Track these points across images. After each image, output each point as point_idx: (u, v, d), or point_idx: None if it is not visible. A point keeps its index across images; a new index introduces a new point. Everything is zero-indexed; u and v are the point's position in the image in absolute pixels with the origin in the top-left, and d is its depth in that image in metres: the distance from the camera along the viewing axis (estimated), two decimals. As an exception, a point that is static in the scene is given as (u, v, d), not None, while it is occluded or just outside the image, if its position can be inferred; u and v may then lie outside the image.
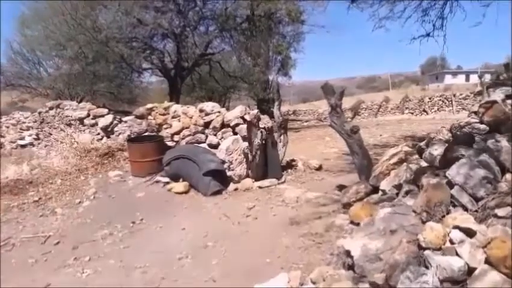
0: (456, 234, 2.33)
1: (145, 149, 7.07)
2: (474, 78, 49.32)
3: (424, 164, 4.46)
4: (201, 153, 6.49)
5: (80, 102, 10.79)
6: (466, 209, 2.68)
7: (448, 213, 2.72)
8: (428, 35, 8.71)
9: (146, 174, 6.97)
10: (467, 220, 2.41)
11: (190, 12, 15.04)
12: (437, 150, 4.06)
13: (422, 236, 2.41)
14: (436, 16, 8.62)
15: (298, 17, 15.03)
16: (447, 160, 3.40)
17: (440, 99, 24.09)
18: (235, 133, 6.87)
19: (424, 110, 24.16)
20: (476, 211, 2.60)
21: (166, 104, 8.27)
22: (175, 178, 6.61)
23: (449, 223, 2.46)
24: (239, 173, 6.57)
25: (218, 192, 6.18)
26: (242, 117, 6.89)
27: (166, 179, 6.68)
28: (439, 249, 2.34)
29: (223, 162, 6.51)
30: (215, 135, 7.05)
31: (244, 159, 6.60)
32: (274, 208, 5.53)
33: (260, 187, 6.43)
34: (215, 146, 6.93)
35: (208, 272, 3.75)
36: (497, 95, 5.58)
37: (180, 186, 6.33)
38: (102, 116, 9.22)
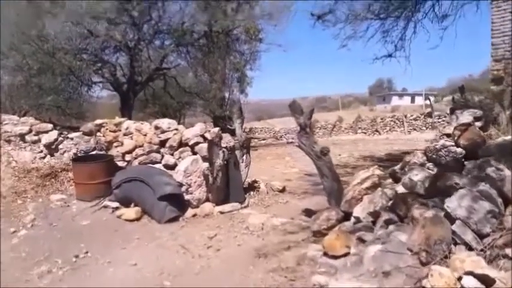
0: (470, 282, 1.96)
1: (92, 170, 6.34)
2: (419, 100, 52.17)
3: (401, 189, 4.16)
4: (155, 175, 5.87)
5: (23, 116, 9.77)
6: (470, 247, 2.33)
7: (449, 252, 2.36)
8: (390, 55, 8.77)
9: (93, 198, 6.24)
10: (478, 263, 2.05)
11: (145, 25, 14.40)
12: (417, 176, 3.77)
13: (430, 284, 2.02)
14: (397, 37, 8.73)
15: (257, 35, 14.83)
16: (437, 189, 3.09)
17: (391, 120, 24.77)
18: (194, 153, 6.33)
19: (377, 130, 24.70)
20: (482, 250, 2.26)
21: (117, 119, 7.58)
22: (126, 203, 5.93)
23: (457, 266, 2.10)
24: (198, 197, 6.01)
25: (174, 219, 5.58)
26: (202, 136, 6.38)
27: (116, 204, 5.99)
28: (452, 301, 1.97)
29: (181, 185, 5.93)
30: (172, 154, 6.48)
31: (204, 182, 6.05)
32: (238, 237, 5.01)
33: (221, 212, 5.89)
34: (172, 167, 6.34)
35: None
36: (465, 117, 5.46)
37: (131, 212, 5.67)
38: (46, 132, 8.31)
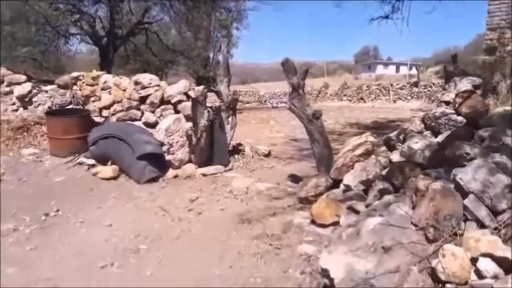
0: (487, 265, 1.75)
1: (68, 124, 5.94)
2: (404, 70, 52.19)
3: (396, 157, 3.94)
4: (135, 133, 5.51)
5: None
6: (482, 225, 2.11)
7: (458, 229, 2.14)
8: (387, 17, 8.40)
9: (68, 154, 5.88)
10: (495, 244, 1.84)
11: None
12: (417, 144, 3.53)
13: (442, 265, 1.80)
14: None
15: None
16: (442, 158, 2.86)
17: (377, 88, 24.56)
18: (177, 111, 5.97)
19: (362, 98, 24.52)
20: (496, 229, 2.04)
21: (95, 73, 7.09)
22: (102, 160, 5.59)
23: (470, 246, 1.88)
24: (180, 158, 5.71)
25: (154, 180, 5.29)
26: (186, 94, 6.00)
27: (92, 161, 5.64)
28: (465, 283, 1.76)
29: (162, 144, 5.60)
30: (153, 112, 6.10)
31: (187, 142, 5.73)
32: (221, 200, 4.77)
33: (204, 174, 5.62)
34: (152, 125, 5.99)
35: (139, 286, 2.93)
36: (464, 84, 5.21)
37: (108, 170, 5.34)
38: (19, 83, 7.77)
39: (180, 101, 5.93)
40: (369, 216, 2.58)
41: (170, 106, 6.00)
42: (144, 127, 5.96)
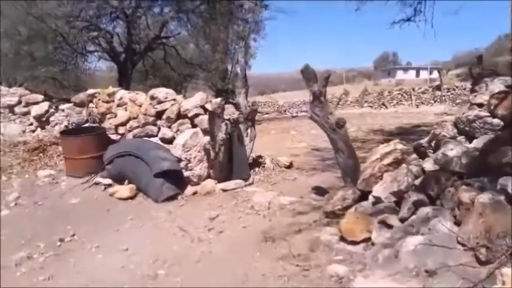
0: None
1: (83, 143, 5.85)
2: (424, 74, 51.42)
3: (428, 166, 3.63)
4: (151, 150, 5.35)
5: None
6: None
7: None
8: (409, 19, 8.11)
9: (84, 174, 5.77)
10: None
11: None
12: (453, 151, 3.22)
13: (504, 295, 1.51)
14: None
15: (262, 0, 13.91)
16: (487, 166, 2.55)
17: (399, 94, 24.02)
18: (194, 125, 5.79)
19: (383, 104, 24.00)
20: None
21: (110, 89, 7.01)
22: (119, 179, 5.44)
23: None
24: (199, 173, 5.51)
25: (172, 198, 5.09)
26: (202, 107, 5.82)
27: (108, 181, 5.50)
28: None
29: (179, 160, 5.41)
30: (169, 127, 5.94)
31: (205, 157, 5.53)
32: (243, 217, 4.52)
33: (224, 190, 5.39)
34: (169, 141, 5.82)
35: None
36: (497, 85, 4.84)
37: (125, 190, 5.18)
38: (36, 103, 7.80)
39: (197, 115, 5.76)
40: (406, 234, 2.30)
41: (187, 120, 5.83)
42: (161, 143, 5.80)
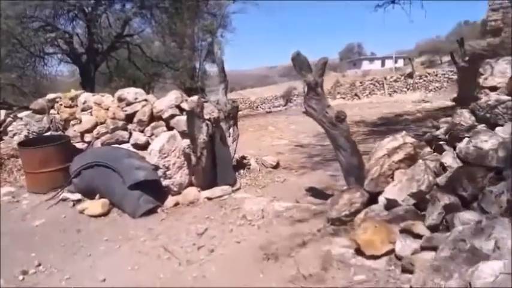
0: None
1: (45, 155, 5.11)
2: (389, 63, 52.58)
3: (449, 161, 3.17)
4: (124, 158, 4.68)
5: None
6: None
7: None
8: (393, 1, 7.77)
9: (48, 189, 5.06)
10: None
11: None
12: (487, 143, 2.77)
13: None
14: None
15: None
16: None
17: (371, 83, 23.97)
18: (170, 128, 5.15)
19: (356, 95, 23.90)
20: None
21: (73, 92, 6.25)
22: (89, 194, 4.75)
23: None
24: (179, 181, 4.89)
25: (152, 211, 4.46)
26: (178, 106, 5.19)
27: (77, 196, 4.80)
28: None
29: (156, 168, 4.77)
30: (142, 131, 5.28)
31: (186, 162, 4.92)
32: (235, 230, 3.95)
33: (209, 198, 4.80)
34: (143, 147, 5.17)
35: None
36: (502, 66, 4.48)
37: (96, 205, 4.50)
38: (-10, 112, 6.95)
39: (172, 116, 5.12)
40: (460, 252, 1.79)
41: (162, 123, 5.19)
42: (134, 149, 5.14)
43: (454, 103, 13.77)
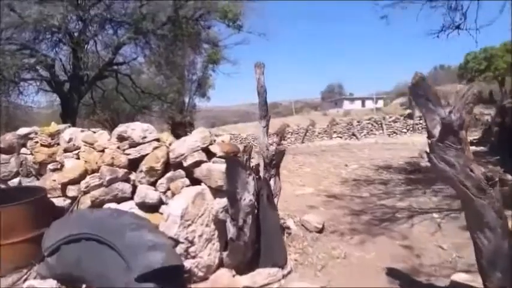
0: None
1: (7, 218, 3.44)
2: (369, 104, 54.61)
3: None
4: (128, 229, 3.06)
5: None
6: None
7: None
8: (458, 27, 6.73)
9: (8, 271, 3.36)
10: None
11: (92, 10, 11.23)
12: None
13: None
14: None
15: (235, 20, 11.95)
16: None
17: (369, 123, 22.98)
18: (194, 180, 3.61)
19: (354, 134, 22.81)
20: None
21: (54, 127, 4.64)
22: (71, 283, 3.09)
23: None
24: (207, 262, 3.30)
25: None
26: (206, 150, 3.68)
27: (51, 284, 3.13)
28: None
29: (176, 242, 3.19)
30: (153, 184, 3.70)
31: (216, 232, 3.36)
32: None
33: (252, 289, 3.21)
34: (154, 207, 3.58)
35: None
36: None
37: (81, 307, 2.85)
38: None
39: (198, 163, 3.59)
40: None
41: (181, 173, 3.64)
42: (141, 211, 3.53)
43: (474, 146, 12.63)
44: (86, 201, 3.69)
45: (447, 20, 7.01)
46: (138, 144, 3.83)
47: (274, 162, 4.05)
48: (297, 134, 24.20)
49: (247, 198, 3.18)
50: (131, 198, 3.70)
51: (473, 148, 12.01)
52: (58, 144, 4.32)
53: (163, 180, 3.65)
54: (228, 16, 11.10)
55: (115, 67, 13.21)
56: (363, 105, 58.98)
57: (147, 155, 3.76)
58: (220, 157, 3.66)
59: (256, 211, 3.46)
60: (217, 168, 3.42)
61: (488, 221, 2.48)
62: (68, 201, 3.83)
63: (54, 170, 4.24)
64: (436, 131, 2.46)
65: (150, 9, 11.09)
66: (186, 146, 3.66)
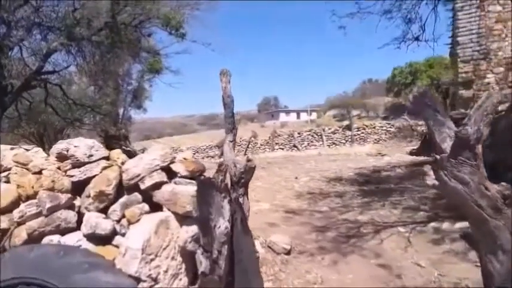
0: None
1: None
2: (304, 116, 57.56)
3: None
4: (78, 271, 2.48)
5: None
6: None
7: None
8: (417, 38, 6.84)
9: None
10: None
11: (18, 12, 10.14)
12: None
13: None
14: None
15: (178, 28, 11.39)
16: None
17: (309, 135, 23.35)
18: (153, 205, 3.09)
19: (295, 146, 23.03)
20: None
21: (-27, 143, 3.85)
22: None
23: None
24: (174, 303, 2.79)
25: None
26: (167, 169, 3.19)
27: None
28: None
29: (138, 280, 2.65)
30: (104, 211, 3.11)
31: (184, 266, 2.87)
32: None
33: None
34: (107, 239, 2.99)
35: None
36: None
37: None
38: None
39: (158, 185, 3.08)
40: None
41: (138, 197, 3.10)
42: (90, 245, 2.93)
43: (414, 155, 13.14)
44: (20, 234, 3.00)
45: (405, 30, 7.26)
46: (84, 163, 3.23)
47: (243, 180, 3.63)
48: (239, 145, 23.94)
49: (222, 225, 2.74)
50: (77, 228, 3.08)
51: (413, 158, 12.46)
52: (-20, 165, 3.57)
53: (116, 206, 3.08)
54: (171, 23, 10.56)
55: (44, 76, 12.05)
56: (298, 117, 61.52)
57: (94, 176, 3.17)
58: (183, 177, 3.19)
59: (230, 238, 3.01)
60: (183, 191, 2.94)
61: (502, 243, 2.27)
62: (-5, 236, 3.11)
63: (-25, 197, 3.48)
64: (446, 145, 2.21)
65: (85, 14, 10.23)
66: (143, 166, 3.14)
